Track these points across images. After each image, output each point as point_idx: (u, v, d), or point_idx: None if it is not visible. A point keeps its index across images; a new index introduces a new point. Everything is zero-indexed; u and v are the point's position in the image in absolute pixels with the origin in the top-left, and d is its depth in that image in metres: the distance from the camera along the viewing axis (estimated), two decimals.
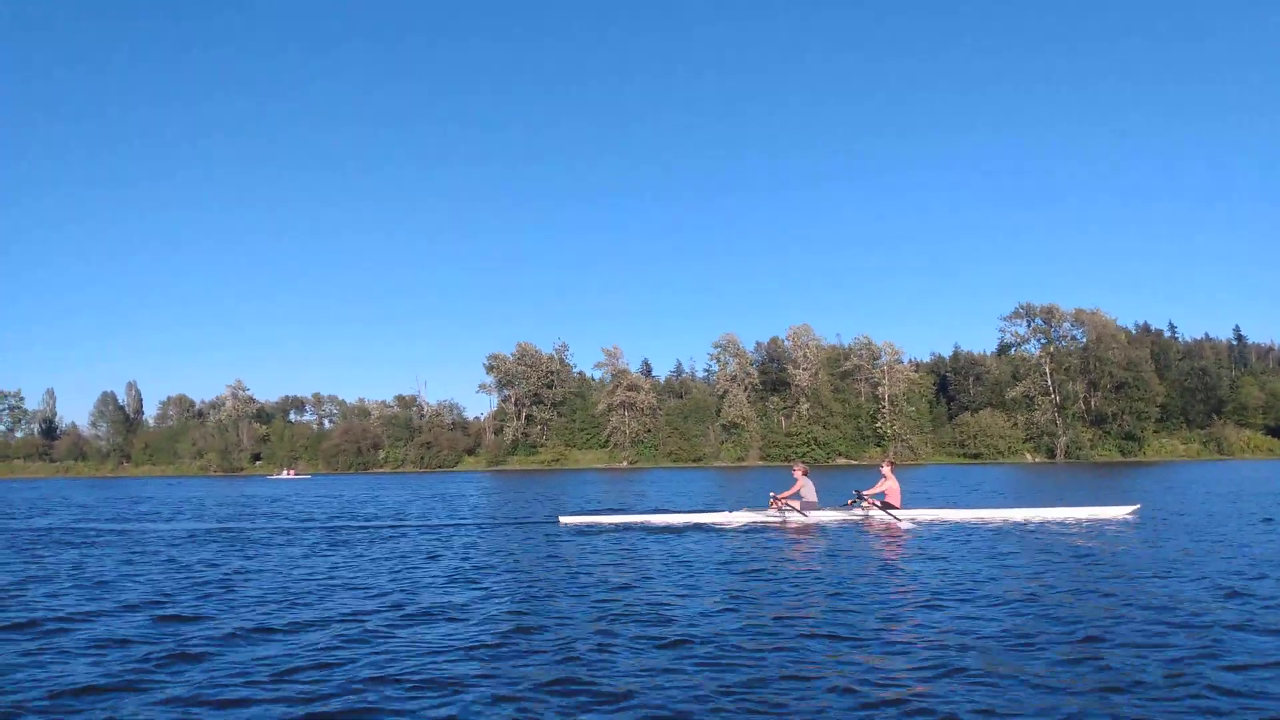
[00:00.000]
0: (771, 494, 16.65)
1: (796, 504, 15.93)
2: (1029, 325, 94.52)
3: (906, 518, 15.38)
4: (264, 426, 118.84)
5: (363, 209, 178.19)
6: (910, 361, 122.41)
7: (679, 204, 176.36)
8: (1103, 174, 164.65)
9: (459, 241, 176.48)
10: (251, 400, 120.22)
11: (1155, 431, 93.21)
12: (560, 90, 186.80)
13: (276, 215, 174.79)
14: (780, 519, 15.81)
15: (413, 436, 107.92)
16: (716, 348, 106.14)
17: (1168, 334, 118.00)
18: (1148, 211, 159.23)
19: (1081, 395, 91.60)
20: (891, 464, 16.82)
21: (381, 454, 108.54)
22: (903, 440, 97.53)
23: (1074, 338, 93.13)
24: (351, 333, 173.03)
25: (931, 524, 14.89)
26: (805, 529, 14.68)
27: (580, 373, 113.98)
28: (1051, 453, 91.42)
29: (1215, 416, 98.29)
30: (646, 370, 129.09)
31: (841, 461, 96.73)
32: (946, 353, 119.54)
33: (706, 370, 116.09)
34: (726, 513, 16.57)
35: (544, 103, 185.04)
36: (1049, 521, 15.10)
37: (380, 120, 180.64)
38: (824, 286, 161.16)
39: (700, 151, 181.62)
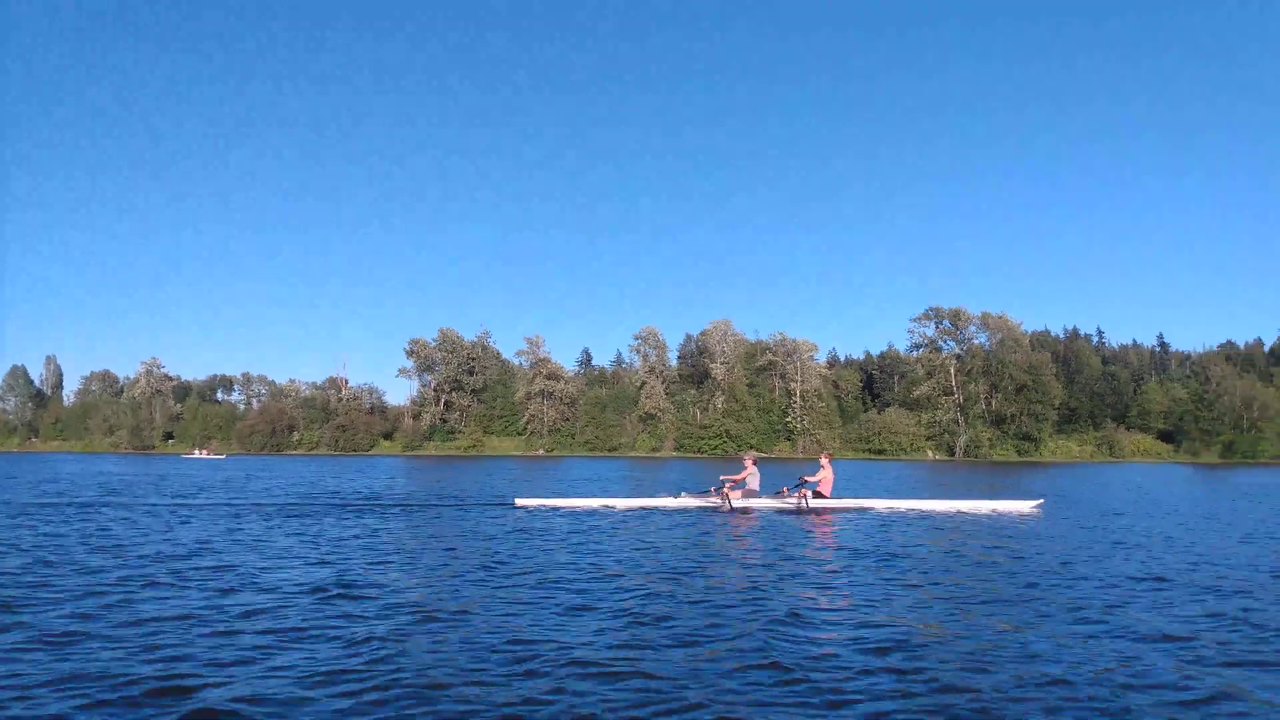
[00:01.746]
0: (722, 477, 17.77)
1: (739, 492, 17.21)
2: (937, 327, 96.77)
3: (837, 506, 17.06)
4: (178, 405, 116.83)
5: (309, 184, 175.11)
6: (845, 359, 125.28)
7: (632, 194, 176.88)
8: (1047, 182, 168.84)
9: (394, 226, 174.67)
10: (167, 378, 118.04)
11: (1052, 434, 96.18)
12: (493, 80, 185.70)
13: (224, 194, 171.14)
14: (724, 504, 17.06)
15: (329, 419, 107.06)
16: (637, 339, 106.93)
17: (1095, 339, 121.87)
18: (1089, 221, 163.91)
19: (983, 396, 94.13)
20: (830, 456, 18.53)
21: (296, 436, 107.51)
22: (811, 435, 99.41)
23: (978, 342, 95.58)
24: (286, 314, 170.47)
25: (862, 513, 16.36)
26: (746, 513, 16.15)
27: (503, 359, 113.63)
28: (952, 451, 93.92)
29: (1119, 420, 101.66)
30: (587, 360, 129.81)
31: (751, 454, 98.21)
32: (879, 352, 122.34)
33: (628, 362, 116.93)
34: (672, 497, 17.90)
35: (474, 93, 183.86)
36: (963, 513, 16.67)
37: (316, 105, 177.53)
38: (758, 283, 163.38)
39: (639, 143, 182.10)
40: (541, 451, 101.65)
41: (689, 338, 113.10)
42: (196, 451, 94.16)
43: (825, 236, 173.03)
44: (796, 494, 17.04)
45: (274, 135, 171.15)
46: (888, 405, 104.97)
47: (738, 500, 17.11)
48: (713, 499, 17.44)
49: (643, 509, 17.00)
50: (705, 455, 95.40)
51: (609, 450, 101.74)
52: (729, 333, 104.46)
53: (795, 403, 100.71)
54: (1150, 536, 13.07)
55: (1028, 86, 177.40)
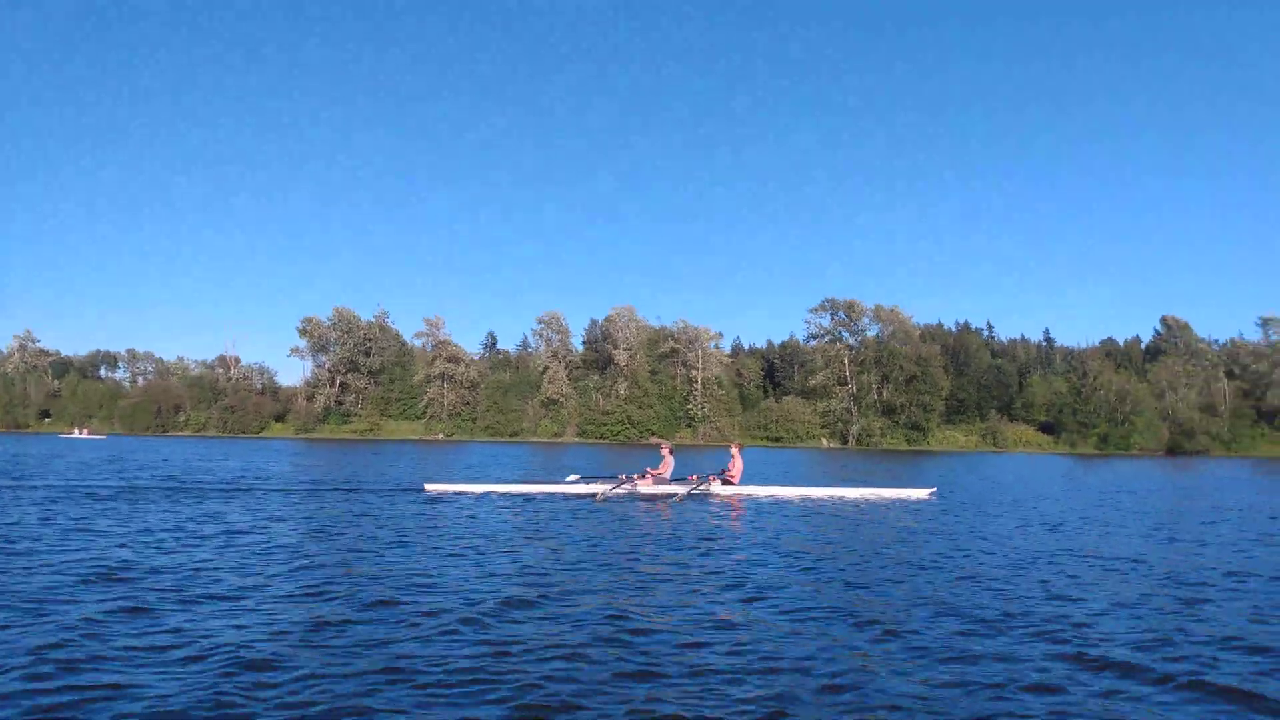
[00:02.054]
0: (646, 469, 18.24)
1: (648, 479, 17.53)
2: (832, 319, 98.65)
3: (744, 493, 17.32)
4: (56, 381, 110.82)
5: (200, 154, 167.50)
6: (750, 348, 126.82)
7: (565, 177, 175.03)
8: (944, 180, 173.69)
9: (292, 201, 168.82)
10: (43, 353, 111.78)
11: (939, 423, 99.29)
12: (393, 51, 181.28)
13: (106, 164, 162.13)
14: (630, 489, 17.25)
15: (217, 399, 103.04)
16: (540, 324, 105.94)
17: (986, 333, 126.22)
18: (983, 218, 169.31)
19: (875, 386, 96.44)
20: (740, 445, 19.15)
21: (183, 417, 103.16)
22: (712, 422, 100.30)
23: (871, 334, 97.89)
24: (174, 290, 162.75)
25: (769, 499, 16.85)
26: (654, 498, 16.47)
27: (402, 340, 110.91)
28: (845, 439, 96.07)
29: (1004, 412, 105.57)
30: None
31: (654, 441, 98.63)
32: (781, 341, 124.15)
33: (534, 347, 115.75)
34: (582, 484, 17.75)
35: (374, 63, 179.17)
36: (863, 500, 17.39)
37: (204, 73, 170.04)
38: (665, 271, 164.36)
39: (548, 127, 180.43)
40: (441, 436, 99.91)
41: (594, 323, 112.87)
42: (75, 431, 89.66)
43: (731, 227, 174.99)
44: (706, 481, 17.44)
45: (160, 103, 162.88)
46: (787, 394, 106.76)
47: (646, 486, 17.32)
48: (625, 485, 17.43)
49: (547, 494, 16.99)
50: (607, 441, 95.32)
51: (510, 435, 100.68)
52: (632, 319, 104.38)
53: (696, 390, 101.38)
54: (1029, 520, 14.19)
55: (925, 83, 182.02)
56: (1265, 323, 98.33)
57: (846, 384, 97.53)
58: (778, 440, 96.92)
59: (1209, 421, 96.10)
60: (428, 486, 17.85)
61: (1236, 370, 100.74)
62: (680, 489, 17.36)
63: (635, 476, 17.78)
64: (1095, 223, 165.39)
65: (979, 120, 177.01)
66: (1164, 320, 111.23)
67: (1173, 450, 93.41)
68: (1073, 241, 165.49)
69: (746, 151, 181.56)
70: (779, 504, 16.12)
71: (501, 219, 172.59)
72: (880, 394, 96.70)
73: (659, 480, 17.62)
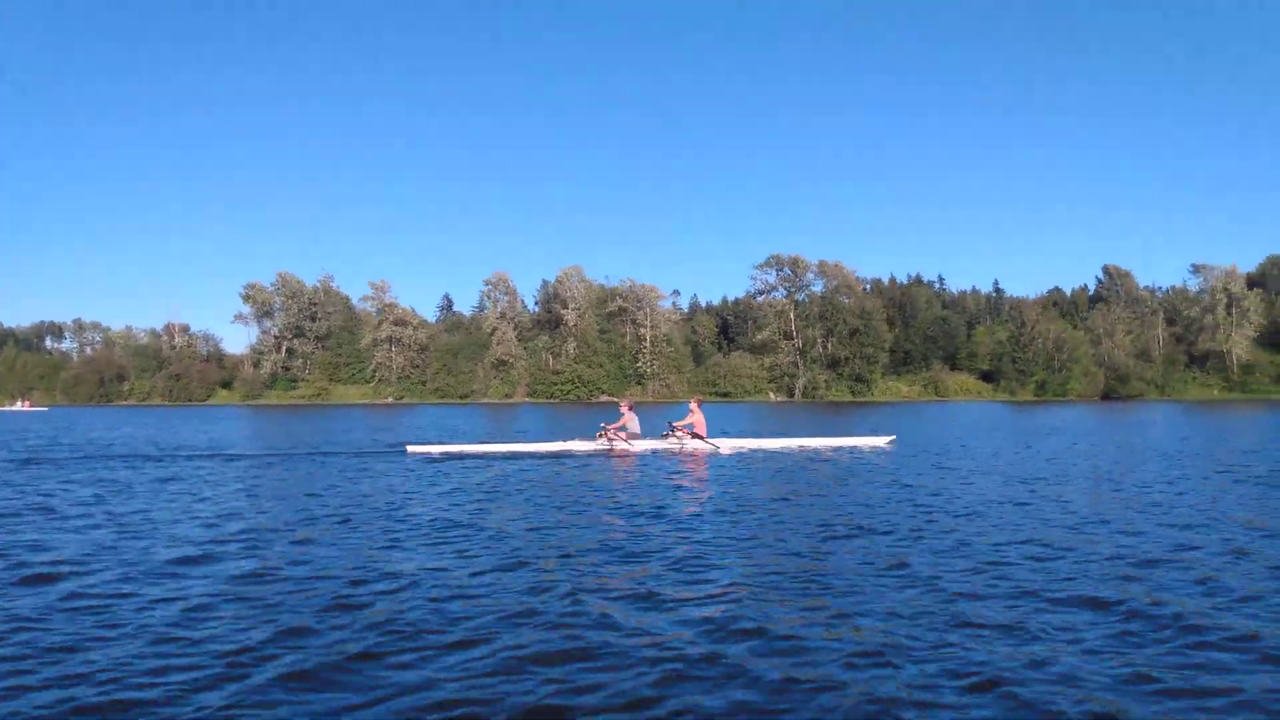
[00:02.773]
0: (602, 424, 17.91)
1: (624, 435, 17.45)
2: (777, 274, 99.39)
3: (716, 445, 17.56)
4: None
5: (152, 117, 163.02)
6: (707, 305, 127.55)
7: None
8: (900, 132, 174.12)
9: (246, 165, 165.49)
10: None
11: (883, 375, 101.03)
12: (341, 13, 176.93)
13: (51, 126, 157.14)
14: (608, 448, 17.18)
15: (161, 367, 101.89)
16: (488, 284, 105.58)
17: (937, 286, 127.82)
18: (935, 169, 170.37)
19: (819, 340, 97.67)
20: (699, 400, 19.36)
21: (127, 386, 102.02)
22: (661, 379, 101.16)
23: (815, 289, 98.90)
24: (117, 258, 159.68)
25: (738, 451, 17.28)
26: (630, 455, 16.39)
27: (351, 305, 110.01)
28: (791, 392, 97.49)
29: (949, 362, 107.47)
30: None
31: (605, 399, 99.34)
32: (735, 298, 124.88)
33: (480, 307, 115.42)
34: (563, 442, 17.84)
35: (321, 25, 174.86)
36: (826, 448, 17.97)
37: (153, 34, 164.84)
38: (622, 230, 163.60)
39: (502, 90, 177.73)
40: (390, 400, 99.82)
41: (545, 284, 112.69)
42: (17, 404, 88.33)
43: (687, 183, 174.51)
44: (678, 434, 17.60)
45: (108, 61, 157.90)
46: (739, 350, 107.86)
47: (621, 445, 17.38)
48: (600, 442, 17.49)
49: (530, 454, 17.01)
50: (558, 401, 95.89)
51: (460, 398, 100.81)
52: (580, 278, 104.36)
53: (645, 348, 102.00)
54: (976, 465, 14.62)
55: (886, 36, 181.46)
56: (1197, 269, 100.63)
57: (792, 338, 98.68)
58: (725, 395, 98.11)
59: (1143, 367, 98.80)
60: (410, 448, 17.88)
61: (1174, 317, 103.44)
62: (654, 444, 17.54)
63: (603, 432, 17.63)
64: (1043, 172, 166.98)
65: (933, 72, 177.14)
66: (1105, 269, 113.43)
67: (1108, 395, 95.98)
68: (1023, 191, 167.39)
69: (705, 106, 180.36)
70: (741, 454, 16.71)
71: (451, 181, 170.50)
72: (825, 347, 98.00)
73: (632, 437, 17.61)
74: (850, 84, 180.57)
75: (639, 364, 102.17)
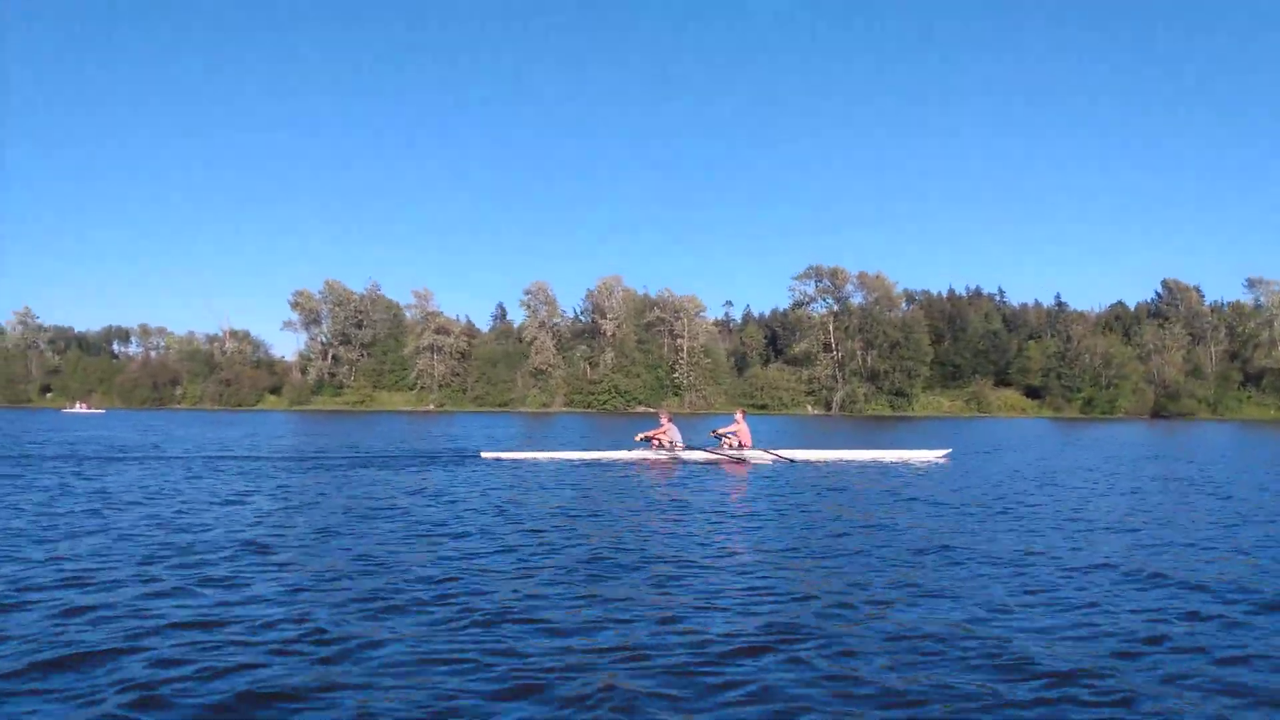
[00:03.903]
0: (641, 434, 18.76)
1: (669, 440, 18.16)
2: (816, 285, 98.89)
3: (767, 455, 17.97)
4: (57, 357, 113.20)
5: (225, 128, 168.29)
6: (759, 316, 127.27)
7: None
8: (969, 139, 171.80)
9: (295, 174, 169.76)
10: (42, 328, 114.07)
11: (925, 389, 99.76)
12: (381, 24, 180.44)
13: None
14: (668, 454, 17.93)
15: (213, 372, 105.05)
16: (527, 294, 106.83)
17: (998, 298, 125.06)
18: (1002, 182, 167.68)
19: (859, 353, 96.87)
20: (744, 411, 19.59)
21: (179, 390, 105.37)
22: (698, 391, 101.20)
23: (854, 300, 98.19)
24: (182, 265, 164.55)
25: (789, 461, 17.52)
26: (675, 463, 17.02)
27: (400, 312, 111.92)
28: (829, 405, 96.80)
29: (998, 377, 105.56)
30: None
31: (640, 409, 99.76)
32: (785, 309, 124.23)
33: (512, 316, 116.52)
34: (624, 451, 18.56)
35: (365, 36, 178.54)
36: (878, 461, 18.14)
37: (201, 46, 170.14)
38: (663, 240, 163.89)
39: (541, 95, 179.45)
40: (432, 406, 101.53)
41: (589, 294, 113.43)
42: (77, 405, 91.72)
43: (737, 195, 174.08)
44: (724, 443, 18.21)
45: (153, 77, 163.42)
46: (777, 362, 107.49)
47: (672, 451, 18.03)
48: (654, 450, 18.16)
49: (597, 461, 17.75)
50: (595, 411, 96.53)
51: (499, 406, 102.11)
52: (620, 288, 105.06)
53: (683, 359, 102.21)
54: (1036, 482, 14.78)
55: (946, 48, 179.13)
56: (1252, 284, 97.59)
57: (831, 351, 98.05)
58: (763, 407, 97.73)
59: (1194, 385, 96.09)
60: (484, 454, 18.87)
61: (1232, 333, 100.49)
62: (704, 454, 18.09)
63: (654, 441, 18.31)
64: (1109, 185, 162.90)
65: (985, 86, 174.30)
66: (1165, 283, 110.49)
67: (1157, 414, 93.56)
68: (1089, 202, 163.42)
69: (758, 118, 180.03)
70: (790, 466, 16.88)
71: (503, 190, 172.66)
72: (864, 361, 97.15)
73: (673, 444, 18.17)
74: (935, 104, 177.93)
75: (676, 375, 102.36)
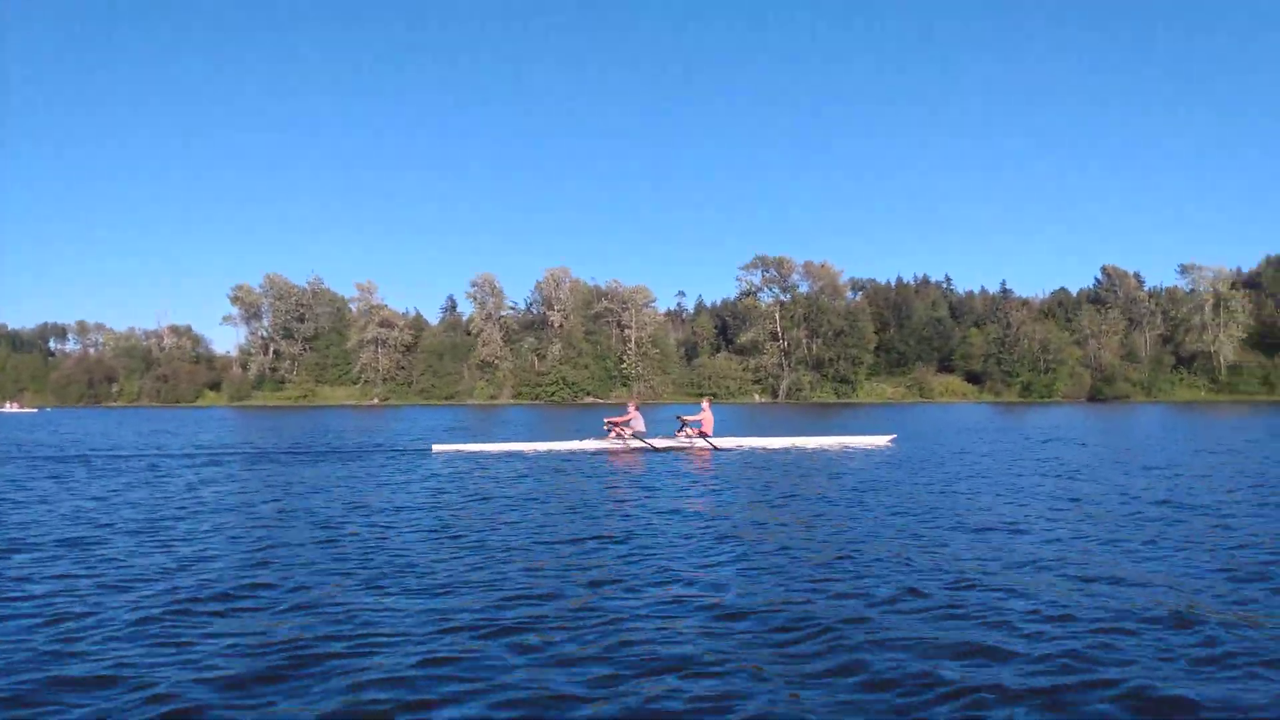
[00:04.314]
0: (608, 419, 19.05)
1: (629, 432, 18.46)
2: (763, 275, 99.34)
3: (722, 444, 18.45)
4: None
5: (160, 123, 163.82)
6: (711, 305, 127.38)
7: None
8: (913, 128, 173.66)
9: (242, 170, 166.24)
10: None
11: (869, 376, 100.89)
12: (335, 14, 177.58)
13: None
14: (621, 445, 18.23)
15: (150, 369, 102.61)
16: (474, 286, 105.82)
17: (944, 286, 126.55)
18: (944, 169, 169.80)
19: (804, 341, 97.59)
20: (710, 400, 20.45)
21: (115, 387, 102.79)
22: (646, 381, 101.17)
23: (801, 289, 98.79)
24: (125, 259, 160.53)
25: (739, 449, 18.13)
26: (638, 452, 17.52)
27: (343, 306, 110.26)
28: (775, 394, 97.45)
29: (941, 364, 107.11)
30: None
31: (589, 400, 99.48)
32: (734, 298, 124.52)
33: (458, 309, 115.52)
34: (579, 441, 18.92)
35: (316, 28, 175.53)
36: (827, 447, 18.70)
37: (146, 39, 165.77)
38: (627, 233, 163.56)
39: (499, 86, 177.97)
40: (376, 401, 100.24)
41: (538, 285, 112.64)
42: (7, 405, 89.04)
43: (695, 181, 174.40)
44: (688, 431, 18.70)
45: (100, 69, 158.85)
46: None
47: (635, 442, 18.34)
48: (611, 439, 18.50)
49: (551, 452, 17.97)
50: (543, 402, 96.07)
51: (446, 399, 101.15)
52: (567, 279, 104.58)
53: (630, 349, 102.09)
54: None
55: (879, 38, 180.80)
56: (1185, 270, 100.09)
57: (778, 339, 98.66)
58: (712, 396, 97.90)
59: (1129, 368, 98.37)
60: (435, 447, 18.89)
61: (1166, 317, 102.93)
62: (666, 441, 18.51)
63: (614, 429, 18.59)
64: (1052, 172, 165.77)
65: (937, 76, 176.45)
66: (1104, 270, 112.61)
67: (1093, 397, 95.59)
68: (1032, 190, 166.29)
69: (700, 105, 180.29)
70: (748, 453, 17.43)
71: (453, 182, 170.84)
72: (809, 349, 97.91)
73: (637, 434, 18.49)
74: (873, 106, 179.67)
75: (624, 365, 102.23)
